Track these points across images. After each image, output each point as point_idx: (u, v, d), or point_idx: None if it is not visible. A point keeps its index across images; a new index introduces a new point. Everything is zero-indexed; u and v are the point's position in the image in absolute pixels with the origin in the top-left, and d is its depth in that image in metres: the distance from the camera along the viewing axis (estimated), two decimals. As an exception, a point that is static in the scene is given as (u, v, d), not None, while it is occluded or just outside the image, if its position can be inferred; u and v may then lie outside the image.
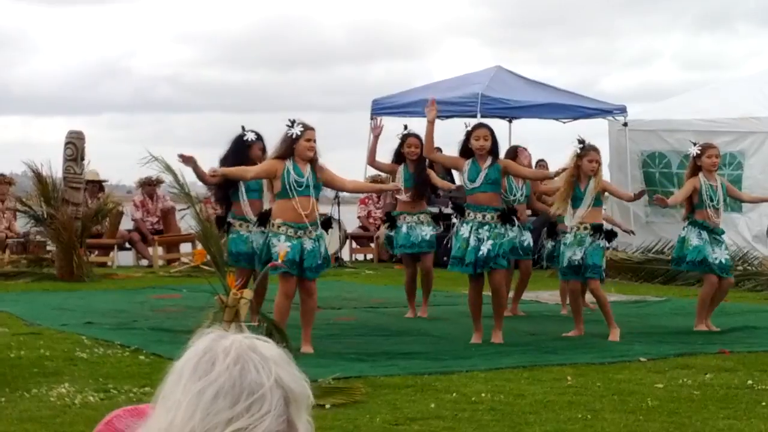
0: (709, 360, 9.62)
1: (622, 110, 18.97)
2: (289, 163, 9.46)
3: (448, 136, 19.36)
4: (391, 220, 12.32)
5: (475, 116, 17.41)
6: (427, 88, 19.94)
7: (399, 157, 12.17)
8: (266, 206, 10.35)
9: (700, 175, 11.18)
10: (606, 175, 12.58)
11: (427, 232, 12.11)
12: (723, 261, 11.25)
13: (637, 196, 12.04)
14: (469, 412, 7.48)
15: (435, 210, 12.89)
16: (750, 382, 8.64)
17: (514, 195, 12.23)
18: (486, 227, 10.14)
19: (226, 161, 10.65)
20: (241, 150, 10.71)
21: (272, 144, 10.43)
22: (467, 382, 8.51)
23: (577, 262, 10.75)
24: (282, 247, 9.33)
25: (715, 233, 11.26)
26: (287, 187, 9.42)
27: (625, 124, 18.56)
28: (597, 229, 10.89)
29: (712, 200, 11.18)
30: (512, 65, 20.20)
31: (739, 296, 14.69)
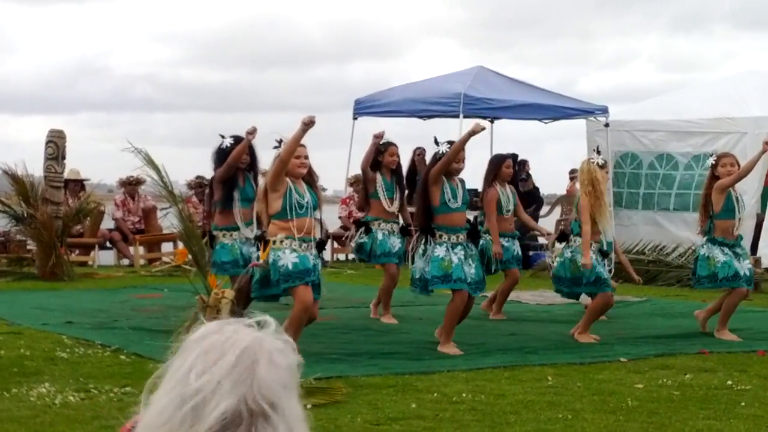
0: (689, 360, 9.67)
1: (604, 111, 19.01)
2: (290, 183, 9.15)
3: (430, 137, 19.38)
4: (363, 225, 12.01)
5: (457, 116, 17.43)
6: (409, 87, 19.94)
7: (375, 164, 11.99)
8: (256, 209, 10.18)
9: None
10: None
11: (396, 244, 12.02)
12: (747, 272, 11.05)
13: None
14: (450, 412, 7.50)
15: (402, 221, 12.69)
16: (729, 382, 8.68)
17: (509, 206, 12.18)
18: (459, 247, 9.93)
19: (214, 169, 10.75)
20: (222, 157, 10.72)
21: (259, 143, 10.44)
22: (448, 382, 8.53)
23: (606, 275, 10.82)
24: (289, 259, 9.12)
25: (734, 246, 11.04)
26: (287, 207, 9.11)
27: (607, 125, 18.61)
28: (600, 252, 11.07)
29: (738, 211, 11.02)
30: (491, 66, 20.21)
31: (718, 297, 14.73)
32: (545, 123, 19.97)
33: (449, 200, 9.93)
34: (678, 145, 18.31)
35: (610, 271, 11.02)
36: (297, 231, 9.13)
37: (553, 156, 19.36)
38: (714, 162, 11.07)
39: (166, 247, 19.21)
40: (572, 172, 17.91)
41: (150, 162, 9.75)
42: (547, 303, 13.71)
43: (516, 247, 12.34)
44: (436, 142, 10.25)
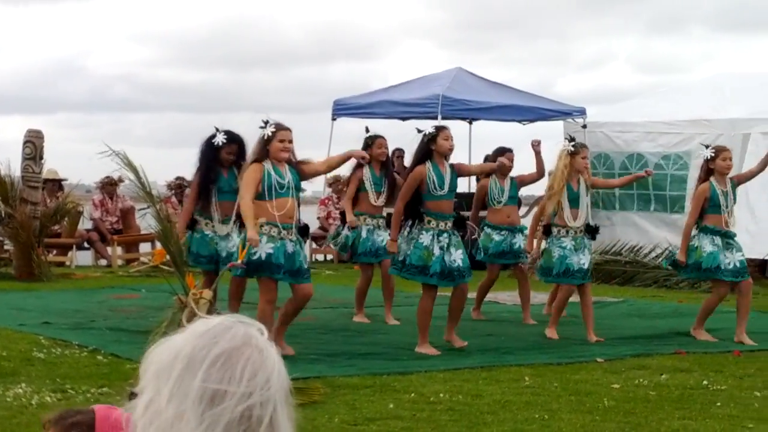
0: (665, 360, 9.72)
1: (582, 112, 19.09)
2: (267, 165, 9.24)
3: (409, 138, 19.44)
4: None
5: (435, 117, 17.46)
6: (388, 89, 20.00)
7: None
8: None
9: (711, 179, 10.91)
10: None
11: (384, 237, 11.99)
12: (737, 264, 10.93)
13: (626, 182, 12.25)
14: (428, 412, 7.52)
15: (388, 213, 12.71)
16: (705, 382, 8.74)
17: (501, 197, 12.19)
18: (445, 235, 9.88)
19: (198, 165, 10.61)
20: (209, 153, 10.49)
21: (251, 145, 10.41)
22: (426, 382, 8.55)
23: (585, 266, 10.84)
24: (263, 249, 9.17)
25: (728, 237, 10.98)
26: (266, 189, 9.21)
27: (585, 126, 18.69)
28: (590, 230, 11.08)
29: (727, 206, 10.93)
30: (469, 67, 20.26)
31: (695, 297, 14.81)
32: (523, 124, 20.03)
33: (434, 189, 9.85)
34: (649, 145, 18.41)
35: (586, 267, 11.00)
36: (277, 210, 9.18)
37: (532, 157, 19.38)
38: (712, 155, 10.96)
39: (144, 247, 19.18)
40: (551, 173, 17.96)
41: (128, 164, 9.75)
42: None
43: (518, 241, 12.13)
44: (419, 130, 10.26)
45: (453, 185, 10.02)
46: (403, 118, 19.37)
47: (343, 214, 12.27)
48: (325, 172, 9.94)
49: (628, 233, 18.33)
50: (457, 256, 9.88)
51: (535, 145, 12.09)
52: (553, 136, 19.75)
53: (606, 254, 17.23)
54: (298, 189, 9.48)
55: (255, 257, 9.19)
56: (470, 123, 20.68)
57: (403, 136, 21.44)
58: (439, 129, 10.14)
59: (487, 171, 10.99)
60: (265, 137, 9.34)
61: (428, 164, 9.88)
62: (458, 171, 10.22)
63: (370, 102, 19.23)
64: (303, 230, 9.67)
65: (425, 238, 9.86)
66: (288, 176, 9.30)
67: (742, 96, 18.23)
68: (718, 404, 7.96)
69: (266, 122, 9.40)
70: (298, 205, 9.63)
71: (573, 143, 11.02)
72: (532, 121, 19.70)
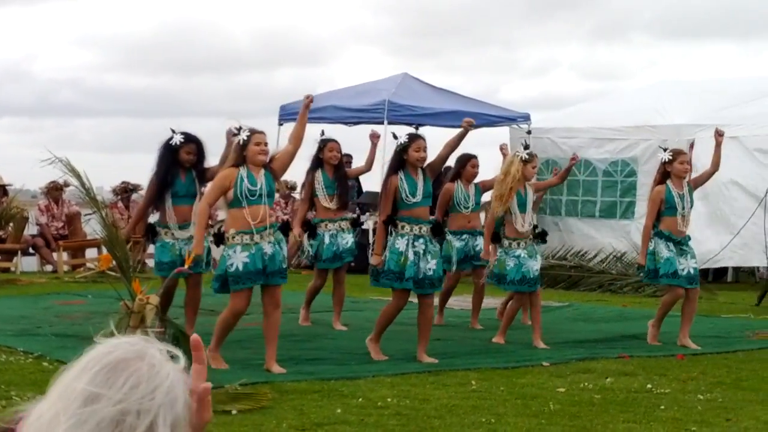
0: (610, 364, 9.82)
1: (526, 118, 19.22)
2: (242, 171, 9.13)
3: (355, 143, 19.44)
4: (311, 228, 11.89)
5: (382, 123, 17.50)
6: (334, 93, 19.98)
7: (317, 162, 11.94)
8: (220, 215, 9.99)
9: (667, 182, 10.96)
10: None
11: (348, 240, 11.94)
12: (690, 271, 10.99)
13: (562, 176, 12.33)
14: (375, 417, 7.55)
15: (353, 215, 12.76)
16: (649, 386, 8.84)
17: (467, 203, 12.22)
18: (421, 240, 9.79)
19: (156, 168, 10.48)
20: (168, 155, 10.40)
21: (212, 147, 10.34)
22: (373, 387, 8.58)
23: (538, 273, 10.91)
24: (239, 259, 9.12)
25: (681, 244, 11.03)
26: (239, 195, 9.08)
27: (529, 132, 18.81)
28: (539, 235, 11.17)
29: (683, 208, 10.97)
30: (415, 73, 20.28)
31: (639, 302, 14.99)
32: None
33: (406, 197, 9.78)
34: (596, 151, 18.58)
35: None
36: (251, 218, 9.09)
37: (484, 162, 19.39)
38: (670, 158, 11.02)
39: (90, 253, 19.06)
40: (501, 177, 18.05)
41: (71, 170, 9.70)
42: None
43: (479, 244, 11.99)
44: (395, 136, 10.25)
45: (427, 191, 9.90)
46: (350, 124, 19.39)
47: (305, 222, 12.02)
48: (298, 147, 9.59)
49: (573, 238, 18.48)
50: (432, 265, 9.81)
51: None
52: (498, 141, 19.85)
53: (552, 259, 17.36)
54: (272, 195, 9.34)
55: (232, 269, 9.06)
56: (416, 129, 20.68)
57: (349, 142, 21.40)
58: (412, 139, 9.99)
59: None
60: (241, 142, 9.20)
61: (400, 173, 9.82)
62: (431, 170, 10.09)
63: (316, 107, 19.18)
64: (284, 228, 9.58)
65: (401, 244, 9.78)
66: (261, 181, 9.16)
67: (685, 102, 18.45)
68: (662, 407, 8.06)
69: (239, 128, 9.27)
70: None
71: (528, 151, 11.13)
72: (477, 126, 19.76)
